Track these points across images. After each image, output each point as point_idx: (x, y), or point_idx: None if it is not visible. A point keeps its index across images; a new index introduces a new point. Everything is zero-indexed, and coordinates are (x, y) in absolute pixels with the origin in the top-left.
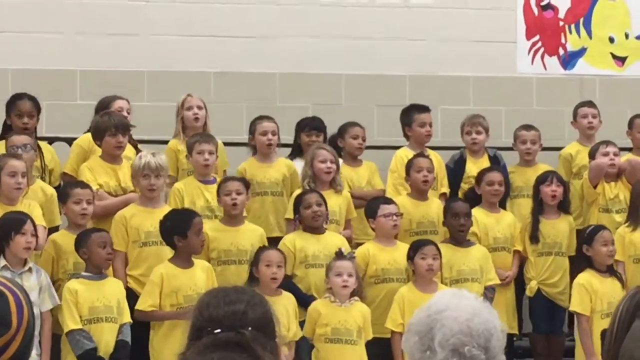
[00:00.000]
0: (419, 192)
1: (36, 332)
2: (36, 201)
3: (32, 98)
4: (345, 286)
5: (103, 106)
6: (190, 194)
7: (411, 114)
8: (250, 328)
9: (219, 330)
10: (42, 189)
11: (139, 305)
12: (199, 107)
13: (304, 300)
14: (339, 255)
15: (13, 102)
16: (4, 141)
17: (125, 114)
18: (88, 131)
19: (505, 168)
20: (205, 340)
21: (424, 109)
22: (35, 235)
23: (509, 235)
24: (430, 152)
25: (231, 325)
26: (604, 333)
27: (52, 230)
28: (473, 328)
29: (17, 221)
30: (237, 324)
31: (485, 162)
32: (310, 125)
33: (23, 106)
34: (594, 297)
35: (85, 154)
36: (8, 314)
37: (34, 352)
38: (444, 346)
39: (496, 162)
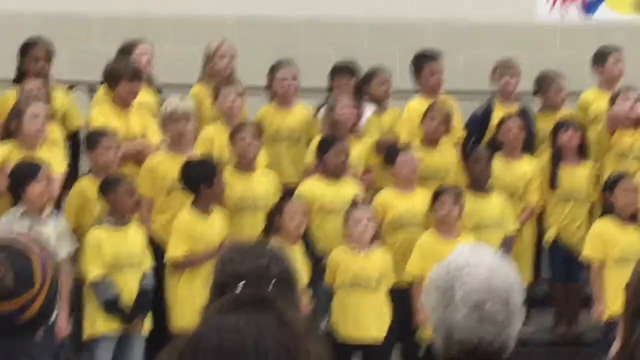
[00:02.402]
0: (429, 140)
1: None
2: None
3: (45, 43)
4: (365, 231)
5: (125, 50)
6: (220, 139)
7: (421, 62)
8: (273, 281)
9: (242, 286)
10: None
11: (171, 253)
12: (232, 57)
13: (314, 258)
14: (355, 204)
15: (27, 47)
16: (17, 87)
17: (147, 57)
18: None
19: (531, 121)
20: (228, 296)
21: (434, 56)
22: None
23: (521, 184)
24: (444, 97)
25: (254, 280)
26: (627, 286)
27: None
28: (493, 285)
29: (32, 168)
30: (260, 278)
31: (514, 110)
32: (342, 69)
33: (38, 51)
34: (606, 244)
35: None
36: (31, 271)
37: None
38: (466, 303)
39: (524, 115)
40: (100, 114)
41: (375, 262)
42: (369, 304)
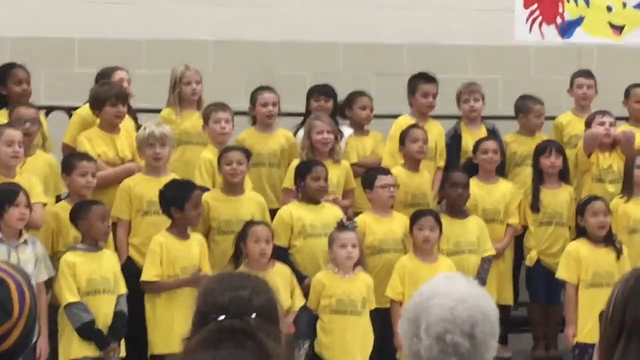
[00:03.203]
0: (414, 163)
1: None
2: (40, 172)
3: (22, 66)
4: (349, 257)
5: (103, 77)
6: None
7: (416, 83)
8: (254, 314)
9: (223, 317)
10: (45, 159)
11: (144, 277)
12: (197, 82)
13: (297, 278)
14: (341, 226)
15: (8, 71)
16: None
17: (125, 84)
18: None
19: (501, 142)
20: (210, 326)
21: (430, 79)
22: (29, 206)
23: (501, 207)
24: (431, 121)
25: (236, 312)
26: (601, 315)
27: (58, 197)
28: (457, 315)
29: (10, 193)
30: (241, 310)
31: (482, 134)
32: (319, 91)
33: (20, 73)
34: (579, 265)
35: (87, 124)
36: (9, 301)
37: None
38: (429, 334)
39: (494, 137)
40: (86, 139)
41: (360, 286)
42: (354, 328)
